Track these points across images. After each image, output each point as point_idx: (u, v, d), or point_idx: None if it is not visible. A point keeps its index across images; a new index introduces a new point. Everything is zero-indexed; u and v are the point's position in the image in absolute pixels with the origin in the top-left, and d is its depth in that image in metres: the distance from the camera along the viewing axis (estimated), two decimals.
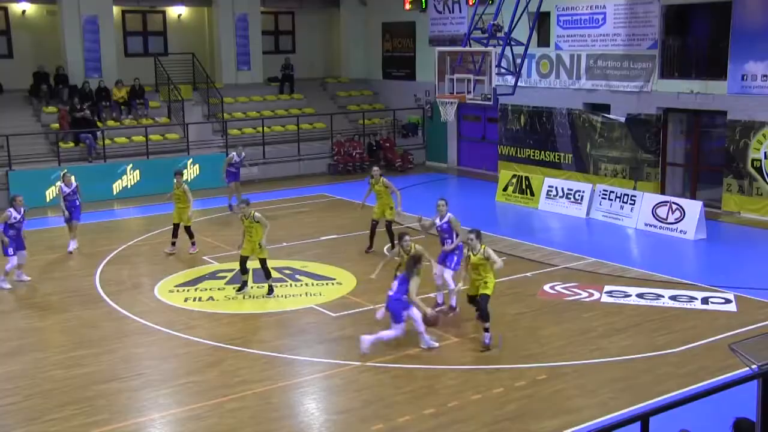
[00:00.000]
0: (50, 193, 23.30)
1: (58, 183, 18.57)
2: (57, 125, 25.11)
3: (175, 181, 17.82)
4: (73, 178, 18.45)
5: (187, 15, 30.41)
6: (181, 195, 17.58)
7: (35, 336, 13.05)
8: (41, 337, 13.04)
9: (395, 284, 11.87)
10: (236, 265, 16.55)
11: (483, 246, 12.06)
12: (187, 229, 17.63)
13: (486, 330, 11.97)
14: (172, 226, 17.80)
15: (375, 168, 18.15)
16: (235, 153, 21.71)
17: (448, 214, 13.88)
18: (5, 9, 27.34)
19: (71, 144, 24.86)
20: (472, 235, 12.08)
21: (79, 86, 26.44)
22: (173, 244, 17.72)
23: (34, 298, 14.99)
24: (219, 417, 10.04)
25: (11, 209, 15.36)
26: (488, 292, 12.04)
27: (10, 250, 15.24)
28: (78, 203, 18.22)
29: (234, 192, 21.51)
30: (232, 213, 20.84)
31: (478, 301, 12.13)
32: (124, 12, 29.24)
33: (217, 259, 17.19)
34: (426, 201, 23.81)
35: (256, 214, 14.64)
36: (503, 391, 10.57)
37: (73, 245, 18.06)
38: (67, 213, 18.03)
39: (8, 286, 15.30)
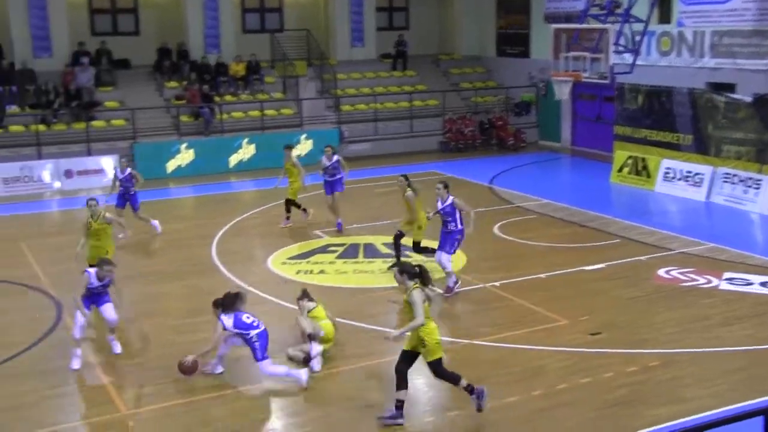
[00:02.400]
0: (171, 165, 24.14)
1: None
2: (182, 101, 25.82)
3: (285, 155, 17.91)
4: (129, 167, 17.59)
5: None
6: (291, 168, 17.69)
7: (155, 302, 13.55)
8: (161, 303, 13.52)
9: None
10: (347, 240, 16.78)
11: (414, 285, 9.06)
12: (290, 201, 17.80)
13: (469, 391, 9.21)
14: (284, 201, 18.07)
15: (400, 177, 15.01)
16: (324, 156, 17.83)
17: (450, 197, 13.41)
18: None
19: (191, 118, 25.66)
20: (396, 271, 9.44)
21: (199, 62, 27.21)
22: (287, 218, 18.01)
23: (155, 266, 15.58)
24: (326, 387, 10.22)
25: (90, 272, 11.16)
26: (432, 357, 9.03)
27: (79, 316, 10.85)
28: (133, 192, 17.25)
29: (332, 207, 17.81)
30: (340, 232, 17.48)
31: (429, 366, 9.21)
32: None
33: (327, 233, 17.43)
34: (538, 180, 23.54)
35: (107, 214, 12.83)
36: (613, 376, 10.36)
37: (126, 234, 15.78)
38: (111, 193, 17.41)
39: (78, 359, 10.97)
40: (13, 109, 24.09)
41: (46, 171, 22.58)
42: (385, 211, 19.26)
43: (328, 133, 26.29)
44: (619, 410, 9.52)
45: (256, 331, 10.19)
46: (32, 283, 14.20)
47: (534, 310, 12.70)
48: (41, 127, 23.61)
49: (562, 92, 21.58)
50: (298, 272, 14.83)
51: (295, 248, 16.42)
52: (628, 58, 21.64)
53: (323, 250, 16.22)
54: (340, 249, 16.21)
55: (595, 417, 9.38)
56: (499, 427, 9.24)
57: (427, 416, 9.53)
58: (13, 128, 23.68)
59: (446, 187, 13.52)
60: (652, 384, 10.18)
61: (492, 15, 31.43)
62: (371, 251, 16.00)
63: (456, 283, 13.61)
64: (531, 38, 29.64)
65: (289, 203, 17.92)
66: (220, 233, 17.63)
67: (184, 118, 25.35)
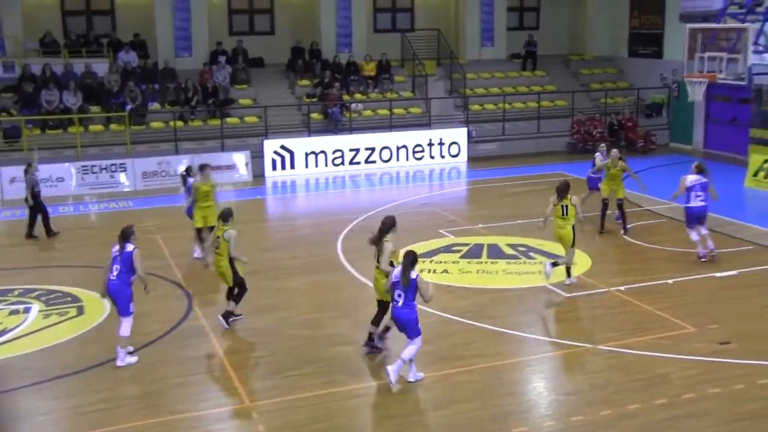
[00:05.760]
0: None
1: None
2: (313, 99, 26.39)
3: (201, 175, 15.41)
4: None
5: None
6: (209, 191, 15.30)
7: (281, 296, 13.94)
8: (287, 297, 13.90)
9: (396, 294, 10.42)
10: (471, 240, 16.78)
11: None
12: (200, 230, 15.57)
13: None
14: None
15: (614, 150, 17.34)
16: (599, 153, 18.17)
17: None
18: None
19: (320, 116, 26.21)
20: None
21: (330, 61, 27.77)
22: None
23: (283, 260, 16.01)
24: (446, 388, 10.29)
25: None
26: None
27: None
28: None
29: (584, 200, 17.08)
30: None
31: None
32: None
33: (452, 232, 17.49)
34: (668, 183, 22.80)
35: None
36: (745, 388, 10.00)
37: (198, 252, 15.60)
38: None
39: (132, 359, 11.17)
40: (155, 106, 25.29)
41: (182, 166, 23.46)
42: (511, 212, 19.15)
43: (456, 132, 26.33)
44: (753, 425, 9.19)
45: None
46: (166, 275, 14.87)
47: (660, 316, 12.39)
48: (179, 124, 24.68)
49: (696, 93, 20.91)
50: (421, 271, 14.87)
51: (418, 247, 16.50)
52: (767, 58, 20.72)
53: (447, 249, 16.30)
54: (464, 249, 16.25)
55: (725, 431, 9.08)
56: None
57: (547, 421, 9.46)
58: (154, 125, 24.83)
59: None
60: None
61: (625, 15, 30.73)
62: (495, 252, 15.97)
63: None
64: (665, 38, 28.81)
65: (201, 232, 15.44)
66: (346, 231, 17.96)
67: (314, 116, 25.93)
